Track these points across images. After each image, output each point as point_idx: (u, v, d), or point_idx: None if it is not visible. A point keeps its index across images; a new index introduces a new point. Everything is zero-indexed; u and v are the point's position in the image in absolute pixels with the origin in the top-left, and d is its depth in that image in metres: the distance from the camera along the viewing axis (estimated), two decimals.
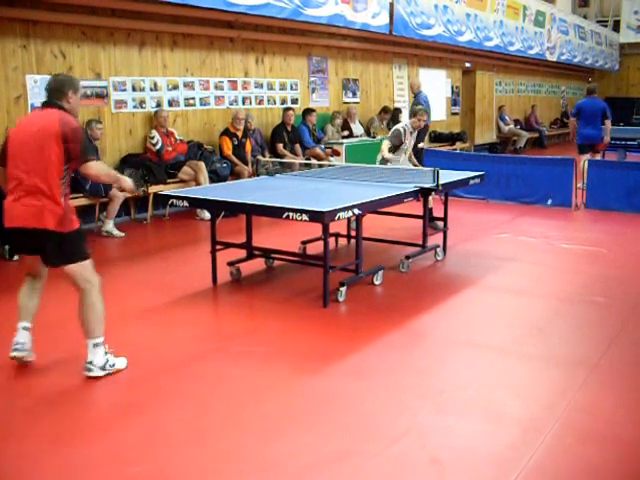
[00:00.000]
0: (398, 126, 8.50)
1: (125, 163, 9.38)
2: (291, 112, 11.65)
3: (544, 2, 20.75)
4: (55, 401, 4.00)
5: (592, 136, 11.85)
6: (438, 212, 7.70)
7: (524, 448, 3.41)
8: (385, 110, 14.57)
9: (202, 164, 9.74)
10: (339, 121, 13.15)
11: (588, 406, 3.90)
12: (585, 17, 26.17)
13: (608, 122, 11.74)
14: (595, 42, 24.93)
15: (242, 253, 6.63)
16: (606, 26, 27.33)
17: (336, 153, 12.13)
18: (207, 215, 9.17)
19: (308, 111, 12.20)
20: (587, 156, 11.61)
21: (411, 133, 8.42)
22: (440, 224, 7.86)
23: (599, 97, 12.82)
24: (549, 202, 10.18)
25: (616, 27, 27.74)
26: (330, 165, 9.15)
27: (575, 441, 3.52)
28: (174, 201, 6.10)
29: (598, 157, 12.17)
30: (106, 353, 4.32)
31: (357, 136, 13.39)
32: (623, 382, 4.25)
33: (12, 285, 6.43)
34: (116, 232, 8.43)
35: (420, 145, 8.47)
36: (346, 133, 13.18)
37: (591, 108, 11.87)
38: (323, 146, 12.31)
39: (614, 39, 27.32)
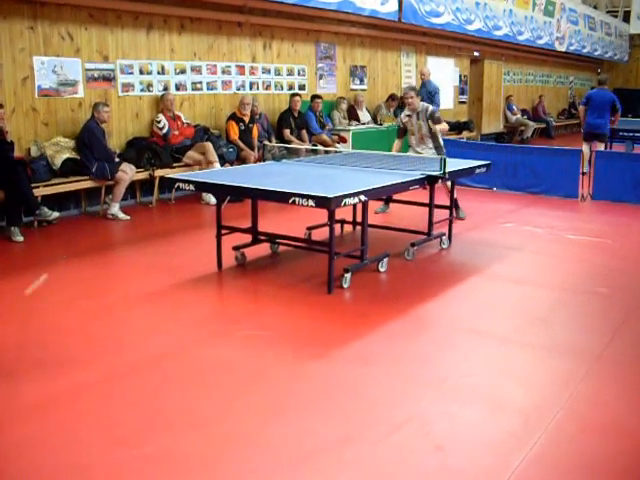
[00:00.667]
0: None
1: (131, 146, 9.38)
2: (297, 98, 11.63)
3: None
4: (56, 389, 4.01)
5: (598, 125, 12.17)
6: (443, 200, 7.68)
7: (526, 436, 3.41)
8: (392, 97, 14.52)
9: (209, 144, 9.68)
10: (344, 106, 13.12)
11: (591, 396, 3.90)
12: (595, 7, 25.99)
13: (618, 115, 12.04)
14: (605, 33, 24.78)
15: (247, 238, 6.62)
16: (616, 17, 27.16)
17: (342, 140, 12.12)
18: (213, 200, 9.08)
19: (314, 97, 12.18)
20: (589, 145, 12.02)
21: (409, 116, 8.37)
22: (463, 212, 8.04)
23: (609, 89, 12.93)
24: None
25: (626, 18, 27.56)
26: (336, 151, 9.13)
27: (577, 431, 3.52)
28: (180, 185, 6.10)
29: (600, 147, 12.24)
30: None
31: (364, 123, 13.36)
32: (626, 373, 4.25)
33: (15, 265, 6.47)
34: (122, 215, 8.43)
35: (438, 127, 8.27)
36: (354, 123, 13.14)
37: (600, 99, 12.19)
38: (330, 132, 12.30)
39: (624, 30, 27.14)
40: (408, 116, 8.38)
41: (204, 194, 9.28)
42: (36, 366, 4.22)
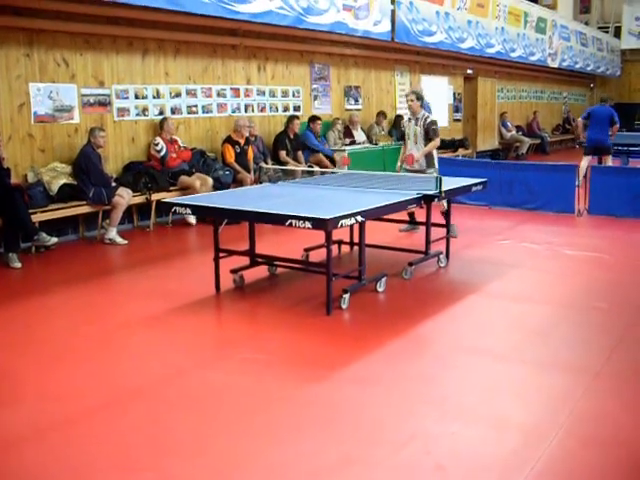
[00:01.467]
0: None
1: (128, 170, 9.41)
2: (297, 121, 11.68)
3: (545, 9, 20.81)
4: (57, 415, 4.01)
5: (601, 140, 12.45)
6: (439, 219, 7.71)
7: (528, 454, 3.40)
8: (381, 114, 14.57)
9: (210, 179, 9.78)
10: (340, 127, 13.18)
11: (591, 413, 3.90)
12: (586, 23, 26.22)
13: (615, 127, 12.41)
14: (597, 48, 24.96)
15: (245, 260, 6.63)
16: (607, 32, 27.38)
17: (345, 162, 11.54)
18: (193, 221, 9.56)
19: (313, 119, 12.23)
20: (589, 159, 12.22)
21: (410, 120, 8.54)
22: (455, 229, 8.30)
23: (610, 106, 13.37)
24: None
25: (617, 33, 27.79)
26: (332, 172, 9.16)
27: (579, 447, 3.52)
28: (177, 209, 6.11)
29: (608, 161, 12.64)
30: None
31: (360, 143, 13.41)
32: (626, 389, 4.25)
33: (13, 292, 6.47)
34: (119, 240, 8.44)
35: (431, 144, 8.34)
36: (348, 141, 13.20)
37: (601, 114, 12.57)
38: (331, 150, 12.33)
39: (615, 45, 27.36)
40: (409, 119, 8.60)
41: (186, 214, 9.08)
42: (36, 393, 4.22)
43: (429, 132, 8.33)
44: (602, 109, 12.73)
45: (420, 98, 8.62)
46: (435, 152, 8.62)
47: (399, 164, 8.94)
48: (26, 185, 8.07)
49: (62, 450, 3.53)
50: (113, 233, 8.48)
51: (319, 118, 12.35)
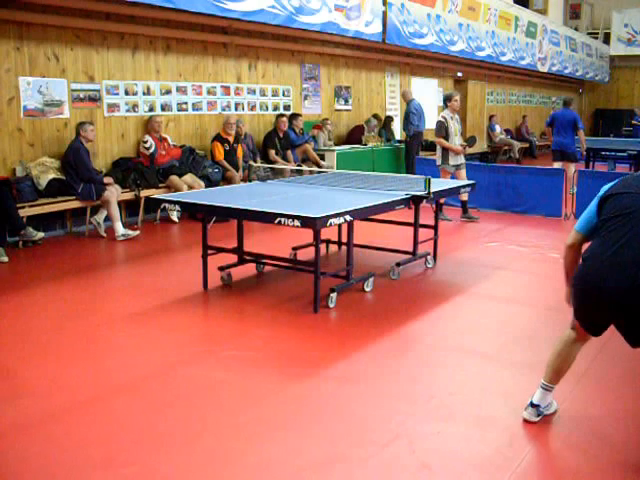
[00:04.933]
0: (439, 118, 9.80)
1: (117, 167, 9.38)
2: (284, 118, 11.71)
3: (536, 13, 20.91)
4: (40, 410, 4.00)
5: (563, 144, 12.59)
6: (429, 220, 7.73)
7: (513, 454, 3.43)
8: (375, 117, 14.60)
9: (201, 182, 9.82)
10: (329, 127, 13.19)
11: (576, 413, 3.93)
12: (576, 29, 26.35)
13: (581, 132, 12.44)
14: (586, 54, 25.10)
15: (233, 258, 6.64)
16: (597, 38, 27.53)
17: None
18: (175, 218, 9.70)
19: (294, 116, 12.26)
20: (559, 164, 12.30)
21: (451, 118, 9.66)
22: (474, 214, 9.71)
23: (574, 109, 13.37)
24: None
25: (607, 39, 27.95)
26: (321, 172, 9.18)
27: (563, 448, 3.55)
28: (166, 205, 6.11)
29: (573, 168, 12.14)
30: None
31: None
32: (610, 391, 4.29)
33: (0, 287, 6.44)
34: (131, 232, 8.49)
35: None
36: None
37: (563, 118, 12.63)
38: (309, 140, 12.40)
39: (604, 51, 27.53)
40: (451, 117, 9.69)
41: (169, 210, 9.08)
42: (20, 387, 4.21)
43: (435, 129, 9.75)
44: (565, 113, 12.69)
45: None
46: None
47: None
48: (14, 179, 8.05)
49: (44, 445, 3.52)
50: (121, 229, 8.41)
51: (299, 115, 12.40)
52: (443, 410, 3.95)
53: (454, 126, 9.73)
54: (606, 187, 3.56)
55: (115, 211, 8.49)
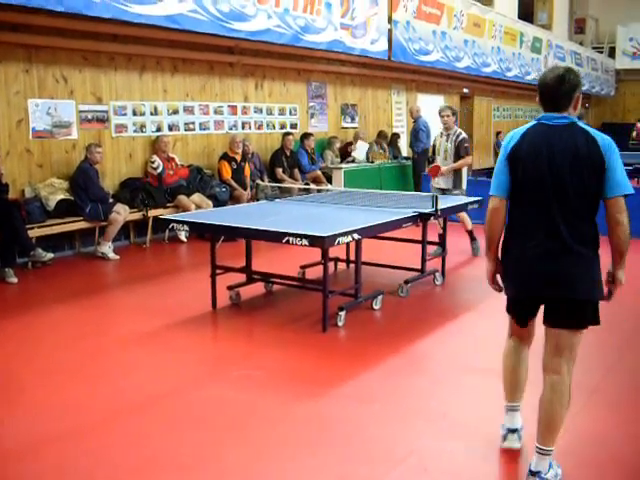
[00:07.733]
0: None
1: (125, 187, 9.42)
2: (290, 137, 11.75)
3: (541, 29, 20.97)
4: (52, 430, 4.00)
5: None
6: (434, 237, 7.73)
7: (524, 472, 3.40)
8: (381, 134, 14.60)
9: (209, 202, 9.83)
10: (337, 145, 13.22)
11: (587, 431, 3.90)
12: (581, 44, 26.40)
13: None
14: (591, 68, 25.13)
15: (242, 277, 6.64)
16: (602, 52, 27.58)
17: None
18: (183, 238, 9.62)
19: (306, 135, 12.29)
20: None
21: (441, 135, 8.48)
22: (478, 245, 8.49)
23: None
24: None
25: (612, 53, 28.01)
26: (329, 190, 9.19)
27: (574, 466, 3.52)
28: (174, 225, 6.13)
29: None
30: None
31: (360, 162, 13.45)
32: (622, 407, 4.26)
33: (9, 308, 6.46)
34: (112, 255, 8.45)
35: (461, 161, 8.30)
36: (351, 158, 13.20)
37: None
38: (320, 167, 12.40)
39: (610, 65, 27.57)
40: (441, 134, 8.51)
41: (177, 229, 8.99)
42: (30, 408, 4.21)
43: (460, 149, 8.26)
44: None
45: (455, 113, 8.60)
46: (465, 172, 8.55)
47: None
48: (23, 200, 8.09)
49: (57, 464, 3.52)
50: (106, 247, 8.48)
51: (311, 134, 12.41)
52: (455, 428, 3.94)
53: (443, 144, 8.41)
54: (510, 141, 3.58)
55: (114, 232, 8.56)
